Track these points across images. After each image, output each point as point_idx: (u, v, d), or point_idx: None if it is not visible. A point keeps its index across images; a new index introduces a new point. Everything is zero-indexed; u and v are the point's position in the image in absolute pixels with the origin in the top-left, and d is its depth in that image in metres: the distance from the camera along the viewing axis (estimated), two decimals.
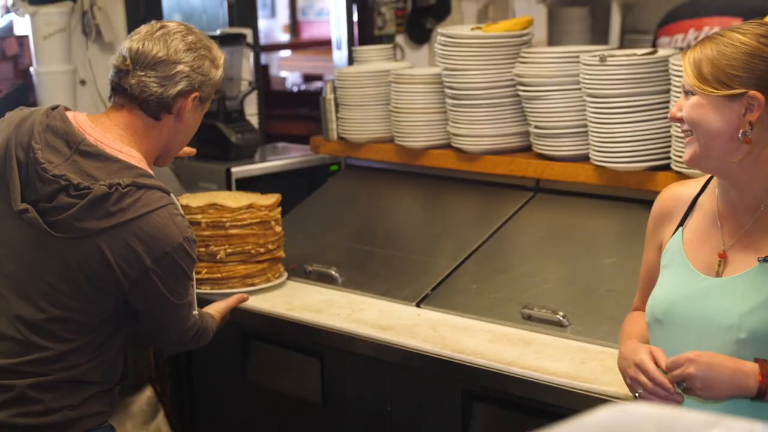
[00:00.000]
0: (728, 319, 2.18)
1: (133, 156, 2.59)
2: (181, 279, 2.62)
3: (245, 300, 3.17)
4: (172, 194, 2.62)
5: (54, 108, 2.64)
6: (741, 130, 2.17)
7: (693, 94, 2.21)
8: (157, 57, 2.59)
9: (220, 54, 2.72)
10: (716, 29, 2.28)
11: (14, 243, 2.59)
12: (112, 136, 2.60)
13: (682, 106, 2.24)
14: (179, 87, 2.61)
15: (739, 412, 2.12)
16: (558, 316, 3.04)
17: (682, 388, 2.14)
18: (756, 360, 2.13)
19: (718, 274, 2.25)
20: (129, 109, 2.63)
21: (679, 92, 2.36)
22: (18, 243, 2.58)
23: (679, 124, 2.29)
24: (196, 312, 2.78)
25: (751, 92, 2.15)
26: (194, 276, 2.75)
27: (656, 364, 2.19)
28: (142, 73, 2.59)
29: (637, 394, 2.24)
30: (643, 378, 2.19)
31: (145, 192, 2.54)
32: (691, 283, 2.27)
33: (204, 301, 3.40)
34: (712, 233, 2.30)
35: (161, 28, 2.65)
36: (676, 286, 2.29)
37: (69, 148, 2.55)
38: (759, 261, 2.19)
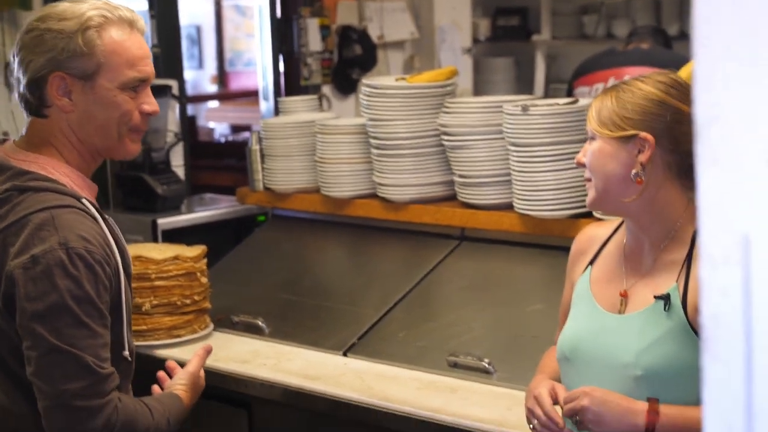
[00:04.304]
0: (625, 357, 2.25)
1: (38, 162, 2.25)
2: (55, 303, 2.09)
3: (210, 350, 2.66)
4: (84, 200, 2.22)
5: None
6: (633, 171, 2.25)
7: (594, 138, 2.30)
8: (11, 61, 2.29)
9: (76, 14, 2.21)
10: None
11: None
12: (22, 147, 2.31)
13: (587, 151, 2.33)
14: (26, 78, 2.25)
15: None
16: (484, 363, 3.06)
17: (574, 421, 2.23)
18: (648, 399, 2.20)
19: (620, 312, 2.33)
20: (30, 121, 2.34)
21: None
22: None
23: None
24: (112, 396, 2.17)
25: (642, 134, 2.23)
26: (98, 328, 2.15)
27: (556, 399, 2.31)
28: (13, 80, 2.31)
29: (531, 426, 2.34)
30: (538, 411, 2.31)
31: (31, 195, 2.18)
32: (596, 321, 2.34)
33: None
34: (617, 272, 2.38)
35: None
36: (582, 324, 2.37)
37: None
38: (655, 299, 2.26)
